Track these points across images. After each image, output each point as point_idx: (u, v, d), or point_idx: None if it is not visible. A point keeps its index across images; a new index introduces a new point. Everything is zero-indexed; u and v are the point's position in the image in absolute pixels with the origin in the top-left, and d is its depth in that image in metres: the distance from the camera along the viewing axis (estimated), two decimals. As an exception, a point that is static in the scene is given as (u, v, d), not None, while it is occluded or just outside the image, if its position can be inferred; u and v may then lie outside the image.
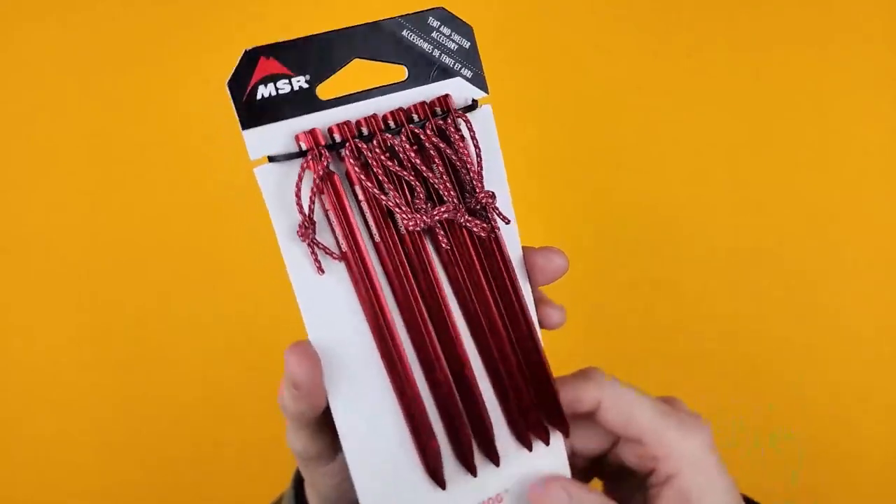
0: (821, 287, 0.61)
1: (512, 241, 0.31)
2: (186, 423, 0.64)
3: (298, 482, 0.36)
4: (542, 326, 0.32)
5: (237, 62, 0.27)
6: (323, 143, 0.28)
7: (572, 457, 0.34)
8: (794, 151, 0.59)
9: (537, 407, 0.31)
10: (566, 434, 0.31)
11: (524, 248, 0.31)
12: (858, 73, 0.58)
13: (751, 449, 0.63)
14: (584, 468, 0.36)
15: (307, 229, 0.28)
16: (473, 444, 0.30)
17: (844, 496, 0.64)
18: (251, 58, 0.27)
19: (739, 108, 0.59)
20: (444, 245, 0.29)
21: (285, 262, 0.29)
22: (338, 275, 0.29)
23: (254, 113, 0.27)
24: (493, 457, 0.30)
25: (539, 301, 0.32)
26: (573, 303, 0.61)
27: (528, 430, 0.31)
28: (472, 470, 0.30)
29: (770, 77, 0.59)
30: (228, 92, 0.27)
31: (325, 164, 0.28)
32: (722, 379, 0.63)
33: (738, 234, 0.61)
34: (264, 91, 0.27)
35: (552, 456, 0.32)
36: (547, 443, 0.31)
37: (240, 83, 0.27)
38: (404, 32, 0.29)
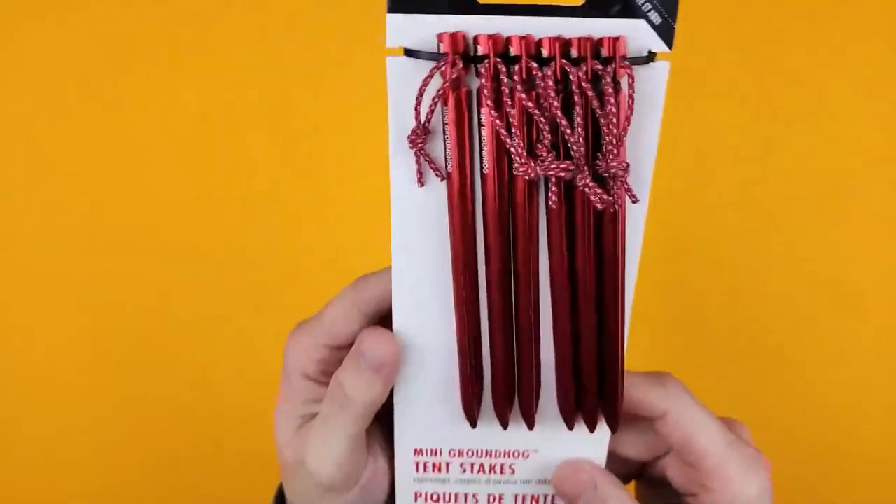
0: (821, 286, 0.61)
1: (635, 223, 0.28)
2: (186, 423, 0.64)
3: None
4: None
5: None
6: (462, 50, 0.25)
7: (615, 460, 0.33)
8: (795, 151, 0.59)
9: (595, 394, 0.30)
10: (613, 431, 0.30)
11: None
12: (859, 73, 0.58)
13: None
14: (627, 474, 0.35)
15: (418, 137, 0.26)
16: (516, 399, 0.30)
17: (845, 496, 0.64)
18: None
19: (740, 108, 0.59)
20: (552, 203, 0.26)
21: (390, 166, 0.27)
22: (438, 192, 0.27)
23: None
24: (528, 419, 0.30)
25: None
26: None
27: (577, 412, 0.30)
28: (502, 422, 0.30)
29: (770, 77, 0.59)
30: None
31: (455, 75, 0.25)
32: (721, 379, 0.63)
33: (737, 234, 0.61)
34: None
35: (594, 439, 0.31)
36: (592, 430, 0.30)
37: None
38: None
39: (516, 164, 0.26)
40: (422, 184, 0.27)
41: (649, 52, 0.26)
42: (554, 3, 0.25)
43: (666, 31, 0.25)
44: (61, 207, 0.60)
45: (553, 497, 0.33)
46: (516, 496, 0.33)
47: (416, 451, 0.32)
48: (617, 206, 0.26)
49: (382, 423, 0.33)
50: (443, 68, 0.25)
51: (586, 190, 0.26)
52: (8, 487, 0.64)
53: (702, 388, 0.63)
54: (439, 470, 0.32)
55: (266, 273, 0.61)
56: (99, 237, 0.61)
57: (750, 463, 0.30)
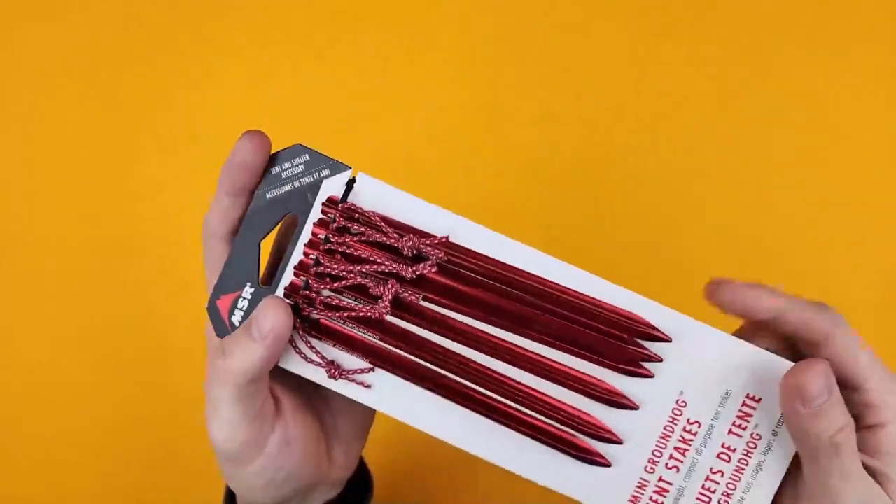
0: (821, 287, 0.61)
1: (475, 235, 0.32)
2: (188, 423, 0.64)
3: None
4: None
5: (208, 318, 0.34)
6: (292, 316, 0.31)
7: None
8: (795, 152, 0.59)
9: (622, 344, 0.31)
10: (667, 340, 0.31)
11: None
12: (860, 73, 0.58)
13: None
14: None
15: (332, 370, 0.32)
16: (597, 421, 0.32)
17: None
18: (213, 308, 0.34)
19: (738, 107, 0.59)
20: (415, 299, 0.32)
21: (355, 399, 0.32)
22: (387, 379, 0.32)
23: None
24: (630, 403, 0.31)
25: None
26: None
27: (635, 363, 0.32)
28: (613, 440, 0.32)
29: (770, 76, 0.59)
30: (212, 324, 0.33)
31: (294, 325, 0.31)
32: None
33: (737, 235, 0.61)
34: (235, 318, 0.33)
35: (694, 338, 0.32)
36: (658, 359, 0.31)
37: (219, 323, 0.34)
38: (269, 195, 0.32)
39: (373, 316, 0.31)
40: (369, 387, 0.32)
41: (349, 180, 0.31)
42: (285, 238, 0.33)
43: (337, 167, 0.32)
44: (61, 207, 0.60)
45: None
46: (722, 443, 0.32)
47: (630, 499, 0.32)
48: (441, 257, 0.31)
49: (294, 389, 0.33)
50: (295, 329, 0.31)
51: (422, 273, 0.31)
52: (8, 487, 0.64)
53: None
54: (663, 492, 0.32)
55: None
56: (99, 236, 0.61)
57: None
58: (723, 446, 0.31)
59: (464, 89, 0.60)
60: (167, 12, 0.58)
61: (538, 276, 0.32)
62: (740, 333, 0.33)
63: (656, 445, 0.32)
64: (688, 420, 0.31)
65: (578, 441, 0.31)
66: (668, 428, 0.32)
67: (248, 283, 0.33)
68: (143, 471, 0.64)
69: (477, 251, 0.32)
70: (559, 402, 0.32)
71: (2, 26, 0.58)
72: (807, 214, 0.60)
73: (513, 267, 0.32)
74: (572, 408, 0.32)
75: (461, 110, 0.60)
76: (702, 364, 0.31)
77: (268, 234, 0.33)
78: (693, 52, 0.59)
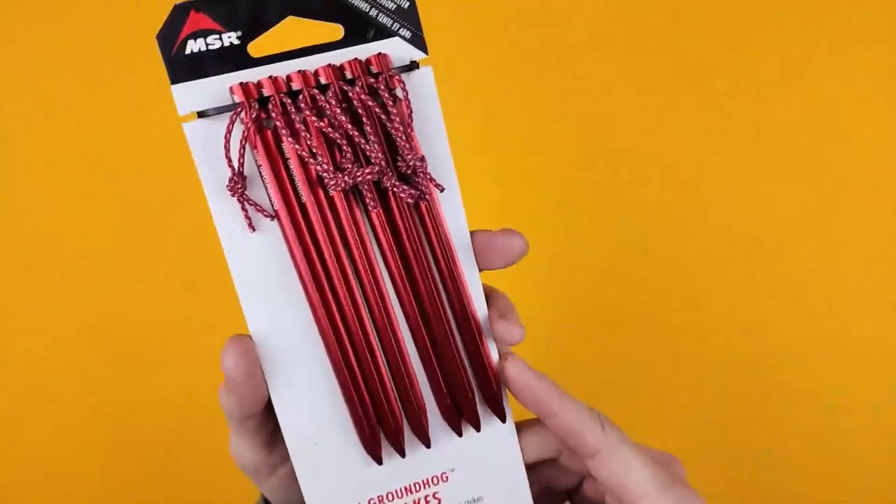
0: (821, 287, 0.61)
1: (453, 212, 0.29)
2: (188, 423, 0.64)
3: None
4: (502, 342, 0.30)
5: (167, 15, 0.26)
6: (256, 96, 0.27)
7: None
8: (795, 151, 0.59)
9: (467, 390, 0.29)
10: (502, 420, 0.30)
11: (481, 232, 0.30)
12: (860, 73, 0.58)
13: (745, 450, 0.63)
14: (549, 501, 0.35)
15: (237, 184, 0.27)
16: (404, 424, 0.29)
17: (843, 497, 0.64)
18: (181, 11, 0.27)
19: (739, 107, 0.59)
20: (370, 205, 0.28)
21: (214, 219, 0.28)
22: (270, 234, 0.28)
23: (183, 68, 0.27)
24: (423, 439, 0.29)
25: (501, 316, 0.30)
26: (561, 302, 0.62)
27: (458, 415, 0.30)
28: (399, 449, 0.29)
29: (770, 76, 0.59)
30: (158, 45, 0.27)
31: (254, 115, 0.27)
32: (717, 379, 0.63)
33: (737, 234, 0.61)
34: (194, 46, 0.27)
35: (503, 437, 0.30)
36: (478, 429, 0.30)
37: (169, 37, 0.27)
38: None
39: (326, 180, 0.27)
40: (253, 229, 0.28)
41: (411, 62, 0.29)
42: (317, 44, 0.28)
43: (418, 42, 0.29)
44: (61, 207, 0.60)
45: None
46: None
47: None
48: (426, 197, 0.28)
49: None
50: (242, 115, 0.26)
51: (394, 190, 0.28)
52: (8, 487, 0.64)
53: (695, 388, 0.63)
54: None
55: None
56: (99, 237, 0.61)
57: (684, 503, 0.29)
58: None
59: (463, 88, 0.60)
60: (167, 11, 0.58)
61: (465, 287, 0.29)
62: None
63: (397, 490, 0.29)
64: (434, 493, 0.30)
65: (374, 427, 0.29)
66: (418, 486, 0.30)
67: (238, 32, 0.26)
68: (143, 471, 0.65)
69: (444, 224, 0.29)
70: (389, 384, 0.29)
71: (1, 26, 0.58)
72: (807, 214, 0.60)
73: (457, 264, 0.29)
74: (395, 399, 0.29)
75: (461, 109, 0.60)
76: (487, 459, 0.30)
77: (289, 15, 0.27)
78: (694, 51, 0.59)
